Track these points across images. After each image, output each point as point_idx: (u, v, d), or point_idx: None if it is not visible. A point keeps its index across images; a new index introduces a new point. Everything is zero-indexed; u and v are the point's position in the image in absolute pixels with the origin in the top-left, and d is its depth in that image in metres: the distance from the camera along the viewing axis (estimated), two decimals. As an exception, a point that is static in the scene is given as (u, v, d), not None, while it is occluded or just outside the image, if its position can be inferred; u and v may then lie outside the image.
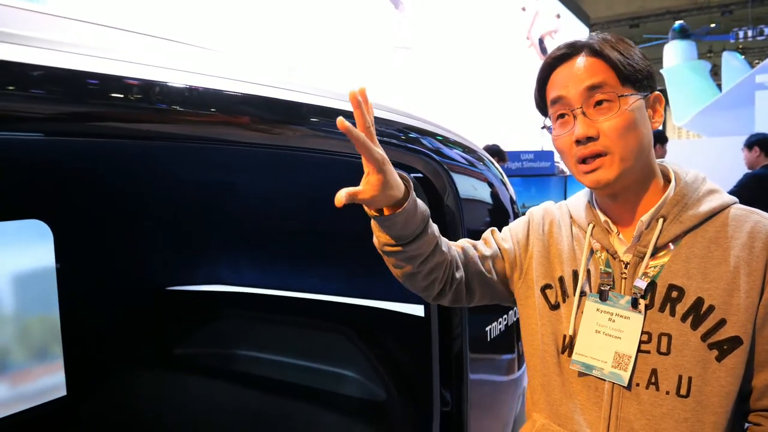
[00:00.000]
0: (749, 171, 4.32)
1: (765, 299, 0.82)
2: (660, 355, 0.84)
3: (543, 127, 0.94)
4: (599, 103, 0.84)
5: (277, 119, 0.90)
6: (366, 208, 0.87)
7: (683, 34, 13.52)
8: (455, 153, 1.39)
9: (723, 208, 0.87)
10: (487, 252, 1.03)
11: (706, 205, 0.87)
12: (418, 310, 1.64)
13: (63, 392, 1.88)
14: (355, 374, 1.74)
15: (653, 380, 0.85)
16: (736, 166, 4.62)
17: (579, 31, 12.36)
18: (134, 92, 0.68)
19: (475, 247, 1.03)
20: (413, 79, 6.39)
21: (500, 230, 1.09)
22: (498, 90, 8.40)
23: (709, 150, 7.64)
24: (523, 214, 1.11)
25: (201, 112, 0.77)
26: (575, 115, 0.86)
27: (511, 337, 1.55)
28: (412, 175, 1.20)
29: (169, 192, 1.98)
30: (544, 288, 0.98)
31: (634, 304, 0.87)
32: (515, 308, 1.29)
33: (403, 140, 1.18)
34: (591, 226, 0.94)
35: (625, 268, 0.89)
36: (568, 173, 6.42)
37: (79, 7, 0.71)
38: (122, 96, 0.67)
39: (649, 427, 0.85)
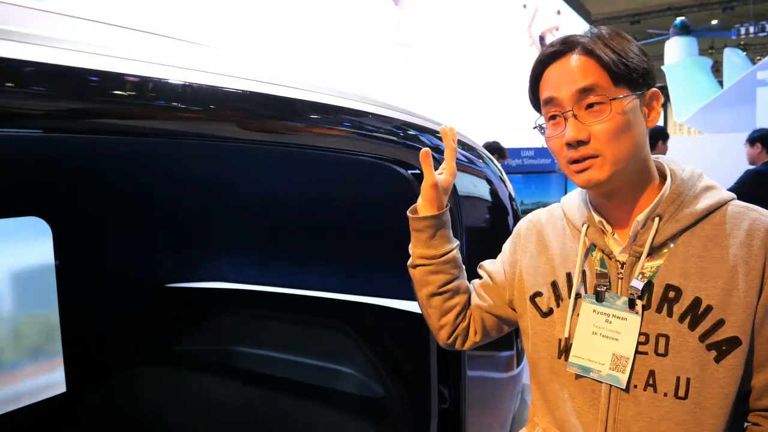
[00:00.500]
0: (750, 167, 4.31)
1: (764, 298, 0.80)
2: (658, 356, 0.83)
3: (535, 127, 0.92)
4: (591, 105, 0.83)
5: (275, 116, 0.90)
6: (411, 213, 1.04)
7: (685, 30, 13.47)
8: (454, 150, 1.38)
9: (720, 205, 0.86)
10: (481, 290, 1.10)
11: (703, 203, 0.85)
12: (416, 307, 1.64)
13: (63, 389, 1.88)
14: (353, 371, 1.74)
15: (651, 382, 0.83)
16: (738, 162, 4.60)
17: (580, 28, 12.23)
18: (134, 89, 0.68)
19: (473, 287, 1.12)
20: (413, 76, 6.38)
21: (499, 230, 1.11)
22: (498, 87, 8.38)
23: (711, 147, 7.65)
24: (523, 213, 1.12)
25: (201, 109, 0.77)
26: (566, 118, 0.84)
27: (509, 333, 1.54)
28: (410, 172, 1.21)
29: (168, 189, 1.98)
30: (534, 297, 0.98)
31: (631, 304, 0.85)
32: None
33: (401, 137, 1.18)
34: (585, 226, 0.93)
35: (621, 268, 0.88)
36: (568, 170, 6.38)
37: (78, 5, 0.72)
38: (121, 93, 0.67)
39: (647, 429, 0.84)
